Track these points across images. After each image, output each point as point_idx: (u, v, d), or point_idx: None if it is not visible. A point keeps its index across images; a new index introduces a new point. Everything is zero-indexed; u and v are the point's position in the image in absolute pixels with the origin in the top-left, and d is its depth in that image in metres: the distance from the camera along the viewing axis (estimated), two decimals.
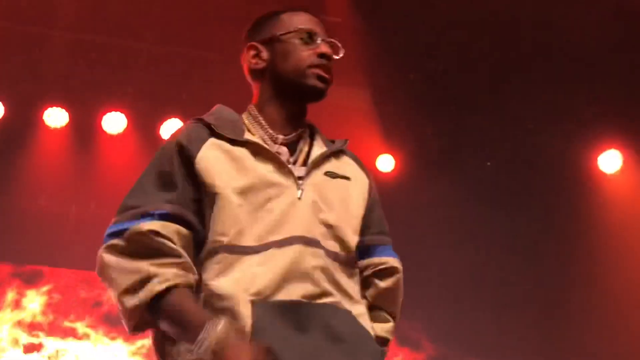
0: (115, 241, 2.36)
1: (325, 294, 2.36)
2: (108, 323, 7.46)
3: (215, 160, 2.41)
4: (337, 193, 2.50)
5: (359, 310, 2.45)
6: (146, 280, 2.29)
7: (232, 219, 2.35)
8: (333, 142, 2.61)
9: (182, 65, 6.90)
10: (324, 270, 2.37)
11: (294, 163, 2.49)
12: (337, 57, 2.58)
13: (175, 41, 6.83)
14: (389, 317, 2.56)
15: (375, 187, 2.63)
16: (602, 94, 6.88)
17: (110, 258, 2.35)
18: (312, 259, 2.35)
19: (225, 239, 2.34)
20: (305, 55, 2.53)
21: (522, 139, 7.22)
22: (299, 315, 2.30)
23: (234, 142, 2.46)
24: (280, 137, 2.52)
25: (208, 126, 2.49)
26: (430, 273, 7.25)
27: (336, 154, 2.57)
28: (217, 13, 6.54)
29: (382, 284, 2.55)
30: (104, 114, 7.07)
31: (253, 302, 2.27)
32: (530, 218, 7.47)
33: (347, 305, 2.40)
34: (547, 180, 7.33)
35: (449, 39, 6.63)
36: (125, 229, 2.35)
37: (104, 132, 7.12)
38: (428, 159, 7.54)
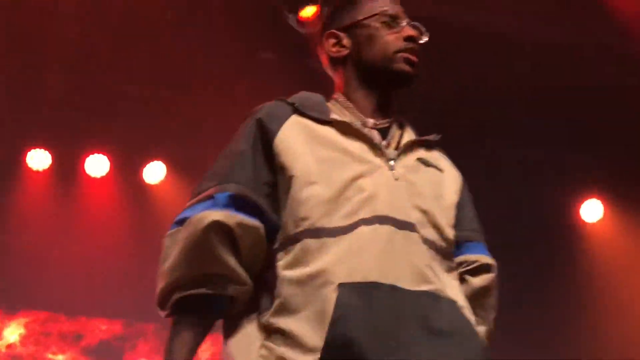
0: (177, 229, 2.22)
1: (425, 280, 2.13)
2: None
3: (297, 140, 2.23)
4: (430, 181, 2.33)
5: (463, 302, 2.24)
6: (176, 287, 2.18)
7: (315, 201, 2.15)
8: (427, 140, 2.45)
9: (166, 108, 6.89)
10: (421, 256, 2.17)
11: (387, 147, 2.32)
12: (421, 42, 2.45)
13: (160, 85, 6.83)
14: (482, 320, 2.34)
15: (467, 187, 2.49)
16: (584, 143, 6.92)
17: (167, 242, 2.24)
18: (406, 243, 2.14)
19: (308, 223, 2.14)
20: (391, 39, 2.40)
21: (504, 188, 7.23)
22: (392, 301, 2.06)
23: (319, 121, 2.30)
24: (371, 121, 2.37)
25: (291, 105, 2.33)
26: None
27: (427, 146, 2.42)
28: (202, 59, 6.55)
29: (476, 281, 2.37)
30: (87, 156, 7.05)
31: (341, 285, 2.04)
32: (513, 266, 7.43)
33: (450, 294, 2.18)
34: (530, 229, 7.33)
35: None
36: (187, 217, 2.20)
37: (87, 174, 7.08)
38: None
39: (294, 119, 2.29)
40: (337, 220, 2.14)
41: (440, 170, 2.39)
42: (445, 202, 2.35)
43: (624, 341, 7.28)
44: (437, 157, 2.44)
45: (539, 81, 6.54)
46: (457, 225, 2.37)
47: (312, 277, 2.07)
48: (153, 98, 6.88)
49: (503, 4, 6.22)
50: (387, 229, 2.14)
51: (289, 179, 2.20)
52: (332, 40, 2.46)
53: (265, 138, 2.26)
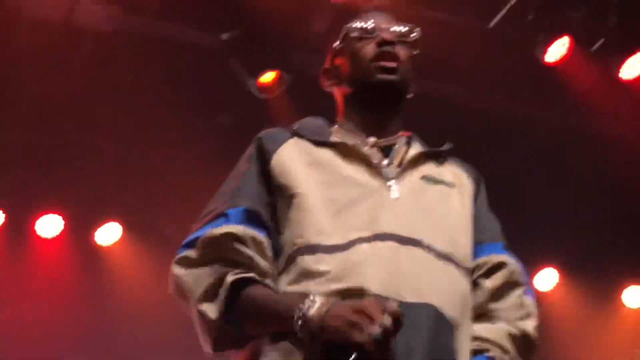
0: (186, 253, 2.19)
1: (421, 294, 2.02)
2: None
3: (294, 160, 2.20)
4: (437, 199, 2.22)
5: (467, 330, 2.10)
6: (223, 278, 2.06)
7: (312, 219, 2.10)
8: (437, 151, 2.34)
9: (122, 169, 6.85)
10: (427, 271, 2.06)
11: (389, 165, 2.24)
12: (410, 39, 2.39)
13: (117, 145, 6.79)
14: (506, 320, 2.21)
15: (483, 191, 2.37)
16: (538, 214, 6.98)
17: (180, 271, 2.17)
18: (410, 258, 2.05)
19: (302, 240, 2.09)
20: (365, 50, 2.34)
21: None
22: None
23: (318, 143, 2.26)
24: (372, 140, 2.30)
25: (291, 128, 2.32)
26: None
27: (439, 159, 2.31)
28: (159, 121, 6.54)
29: (488, 283, 2.25)
30: (40, 216, 6.95)
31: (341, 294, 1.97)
32: None
33: (453, 314, 2.05)
34: None
35: None
36: (198, 237, 2.17)
37: (38, 235, 6.98)
38: None
39: (293, 141, 2.27)
40: (333, 239, 2.08)
41: (448, 185, 2.28)
42: (456, 217, 2.24)
43: None
44: (446, 170, 2.32)
45: (496, 149, 6.59)
46: (479, 228, 2.30)
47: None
48: (109, 158, 6.83)
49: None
50: (389, 244, 2.06)
51: (289, 199, 2.16)
52: (324, 77, 2.46)
53: (263, 158, 2.25)
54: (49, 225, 6.95)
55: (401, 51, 2.34)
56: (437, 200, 2.22)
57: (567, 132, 6.64)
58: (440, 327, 2.02)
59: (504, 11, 6.25)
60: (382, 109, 2.33)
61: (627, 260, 7.41)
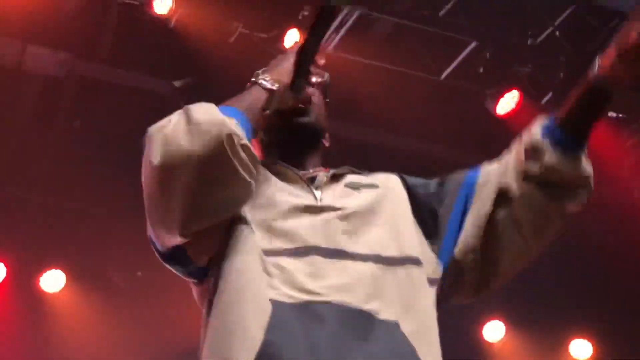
0: None
1: (360, 299, 2.02)
2: None
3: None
4: (366, 200, 2.20)
5: (415, 325, 2.09)
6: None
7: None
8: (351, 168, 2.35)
9: (66, 217, 6.78)
10: (359, 278, 2.05)
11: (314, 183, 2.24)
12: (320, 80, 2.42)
13: (60, 193, 6.72)
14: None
15: (408, 177, 2.31)
16: None
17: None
18: (334, 269, 2.04)
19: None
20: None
21: None
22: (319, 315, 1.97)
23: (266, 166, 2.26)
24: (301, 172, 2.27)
25: None
26: None
27: (352, 172, 2.31)
28: (107, 165, 6.49)
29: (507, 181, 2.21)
30: None
31: (272, 301, 1.98)
32: None
33: (394, 316, 2.04)
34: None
35: None
36: None
37: None
38: None
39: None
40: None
41: (374, 186, 2.26)
42: (394, 210, 2.22)
43: None
44: (368, 177, 2.31)
45: None
46: (439, 202, 2.26)
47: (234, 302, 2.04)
48: (52, 206, 6.76)
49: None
50: (312, 259, 2.06)
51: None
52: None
53: None
54: None
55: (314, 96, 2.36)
56: (368, 201, 2.21)
57: None
58: (380, 327, 2.02)
59: (455, 64, 6.32)
60: (301, 143, 2.35)
61: (574, 312, 7.47)
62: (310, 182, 2.24)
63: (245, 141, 2.04)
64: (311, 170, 2.28)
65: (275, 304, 2.00)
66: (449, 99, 6.45)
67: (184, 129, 2.02)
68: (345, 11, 6.00)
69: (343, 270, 2.06)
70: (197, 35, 5.85)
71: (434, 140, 6.63)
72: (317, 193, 2.19)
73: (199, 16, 5.81)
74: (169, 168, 2.03)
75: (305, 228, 2.10)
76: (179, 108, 2.07)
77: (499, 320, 7.59)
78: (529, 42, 6.23)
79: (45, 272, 6.92)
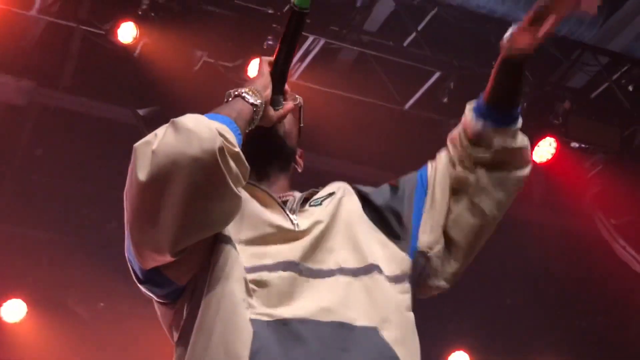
0: None
1: (332, 312, 2.05)
2: None
3: None
4: (329, 214, 2.23)
5: (395, 331, 2.11)
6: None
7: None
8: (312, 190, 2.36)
9: (27, 246, 6.71)
10: (333, 293, 2.08)
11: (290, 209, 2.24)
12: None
13: (22, 222, 6.67)
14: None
15: (359, 185, 2.38)
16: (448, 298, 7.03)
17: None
18: (310, 287, 2.08)
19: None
20: None
21: None
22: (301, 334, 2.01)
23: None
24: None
25: None
26: None
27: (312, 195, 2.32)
28: (69, 193, 6.45)
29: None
30: None
31: (252, 321, 1.99)
32: None
33: (372, 322, 2.08)
34: None
35: None
36: None
37: None
38: None
39: None
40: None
41: (331, 194, 2.30)
42: (350, 218, 2.25)
43: None
44: (322, 190, 2.33)
45: None
46: (396, 204, 2.33)
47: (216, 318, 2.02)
48: (14, 235, 6.70)
49: None
50: (288, 274, 2.08)
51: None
52: None
53: None
54: None
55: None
56: (328, 213, 2.24)
57: None
58: (359, 334, 2.05)
59: (419, 94, 6.35)
60: (273, 166, 2.33)
61: (539, 342, 7.49)
62: (284, 205, 2.23)
63: (237, 149, 1.99)
64: (281, 195, 2.26)
65: (255, 324, 1.99)
66: (413, 129, 6.47)
67: (173, 137, 1.94)
68: (310, 40, 6.02)
69: (318, 286, 2.09)
70: (161, 64, 5.84)
71: (397, 170, 6.59)
72: (293, 217, 2.19)
73: (163, 45, 5.80)
74: (158, 181, 1.94)
75: (286, 249, 2.12)
76: (144, 137, 2.01)
77: (463, 350, 7.60)
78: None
79: (5, 301, 6.86)
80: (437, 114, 6.23)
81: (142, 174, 1.93)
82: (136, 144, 1.97)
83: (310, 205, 2.26)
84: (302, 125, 2.41)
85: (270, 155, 2.31)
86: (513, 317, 7.36)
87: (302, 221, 2.19)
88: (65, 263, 6.71)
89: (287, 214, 2.20)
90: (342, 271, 2.12)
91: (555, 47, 6.33)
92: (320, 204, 2.27)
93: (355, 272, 2.14)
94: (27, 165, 6.43)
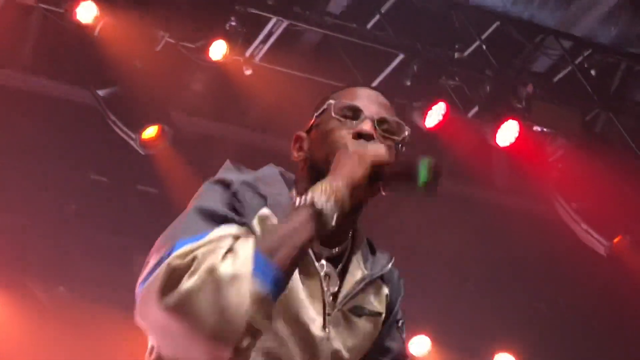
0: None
1: None
2: None
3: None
4: (361, 336, 2.07)
5: None
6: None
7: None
8: (375, 253, 2.12)
9: None
10: None
11: (335, 294, 2.03)
12: (397, 138, 2.07)
13: None
14: None
15: (399, 306, 2.19)
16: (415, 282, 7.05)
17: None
18: None
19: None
20: (341, 135, 2.01)
21: None
22: None
23: None
24: (325, 253, 2.02)
25: (263, 198, 1.97)
26: None
27: (376, 281, 2.09)
28: (22, 179, 6.39)
29: None
30: None
31: None
32: None
33: None
34: None
35: None
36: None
37: None
38: None
39: (264, 212, 1.95)
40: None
41: (378, 314, 2.13)
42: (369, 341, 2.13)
43: None
44: (383, 292, 2.16)
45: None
46: (386, 336, 2.17)
47: None
48: None
49: None
50: None
51: None
52: (295, 144, 2.12)
53: (237, 217, 1.91)
54: None
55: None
56: (361, 339, 2.10)
57: (454, 197, 6.72)
58: None
59: (382, 76, 6.33)
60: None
61: (499, 327, 7.52)
62: (331, 266, 2.03)
63: (266, 320, 1.82)
64: (335, 250, 2.04)
65: None
66: None
67: (211, 308, 1.76)
68: (272, 22, 5.98)
69: None
70: (122, 44, 5.76)
71: None
72: (328, 321, 2.01)
73: (124, 25, 5.72)
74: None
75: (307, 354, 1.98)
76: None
77: (425, 334, 7.63)
78: (455, 55, 6.27)
79: None
80: (400, 97, 6.21)
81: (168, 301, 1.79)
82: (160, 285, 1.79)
83: (350, 312, 2.07)
84: None
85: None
86: (474, 302, 7.38)
87: (335, 331, 2.02)
88: (24, 245, 6.66)
89: (325, 301, 2.00)
90: None
91: (518, 31, 6.33)
92: (360, 316, 2.09)
93: None
94: None
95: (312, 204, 1.84)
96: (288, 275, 1.83)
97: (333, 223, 1.85)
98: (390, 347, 2.18)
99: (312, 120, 2.12)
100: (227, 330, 1.75)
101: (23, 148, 6.33)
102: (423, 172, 1.89)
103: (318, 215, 1.83)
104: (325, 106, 2.11)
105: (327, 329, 1.99)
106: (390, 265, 2.14)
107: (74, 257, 6.76)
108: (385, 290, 2.15)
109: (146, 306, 1.83)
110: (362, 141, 2.01)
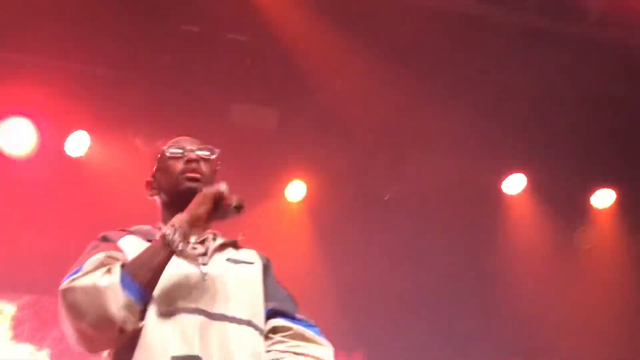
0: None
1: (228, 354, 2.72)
2: None
3: (133, 248, 2.81)
4: (239, 274, 2.91)
5: None
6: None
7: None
8: (234, 241, 3.04)
9: (94, 83, 6.79)
10: (228, 334, 2.75)
11: (203, 255, 2.90)
12: (211, 156, 3.04)
13: (91, 61, 6.73)
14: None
15: (271, 268, 3.05)
16: (507, 120, 7.05)
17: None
18: (214, 330, 2.73)
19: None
20: (175, 165, 2.99)
21: (433, 165, 7.34)
22: None
23: (149, 241, 2.84)
24: (192, 238, 2.87)
25: (126, 231, 2.94)
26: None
27: (234, 246, 3.01)
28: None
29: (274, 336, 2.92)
30: None
31: (173, 358, 2.66)
32: (445, 238, 7.68)
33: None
34: (458, 203, 7.52)
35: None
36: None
37: None
38: (337, 185, 7.60)
39: (129, 237, 2.89)
40: (160, 307, 2.74)
41: (248, 263, 2.98)
42: (255, 289, 2.93)
43: None
44: (245, 254, 3.03)
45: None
46: (268, 297, 2.96)
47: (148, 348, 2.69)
48: (81, 71, 6.78)
49: None
50: (198, 318, 2.74)
51: None
52: (147, 187, 3.08)
53: (108, 243, 2.84)
54: None
55: (203, 167, 3.01)
56: (240, 276, 2.91)
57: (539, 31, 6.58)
58: None
59: None
60: None
61: (596, 162, 7.48)
62: (199, 245, 2.93)
63: (138, 325, 2.66)
64: (193, 239, 2.89)
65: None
66: None
67: (94, 312, 2.63)
68: None
69: (221, 330, 2.76)
70: None
71: None
72: (203, 268, 2.85)
73: None
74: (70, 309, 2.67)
75: (197, 295, 2.78)
76: None
77: (521, 172, 7.69)
78: None
79: (70, 134, 7.03)
80: None
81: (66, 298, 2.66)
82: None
83: (227, 260, 2.93)
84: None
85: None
86: (569, 138, 7.29)
87: (213, 269, 2.86)
88: (128, 99, 6.79)
89: (199, 264, 2.86)
90: (235, 319, 2.80)
91: None
92: (237, 264, 2.95)
93: (242, 322, 2.82)
94: None
95: (163, 236, 2.71)
96: (149, 286, 2.68)
97: (180, 247, 2.71)
98: (278, 296, 3.01)
99: (155, 167, 3.08)
100: (104, 324, 2.62)
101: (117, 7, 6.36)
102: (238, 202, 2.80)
103: (168, 243, 2.70)
104: (159, 155, 3.07)
105: (202, 271, 2.84)
106: (241, 238, 3.08)
107: (170, 108, 6.88)
108: (250, 251, 3.05)
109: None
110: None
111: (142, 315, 2.67)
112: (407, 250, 7.78)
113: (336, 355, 2.94)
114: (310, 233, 7.75)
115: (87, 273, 2.66)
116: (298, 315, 2.97)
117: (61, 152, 7.03)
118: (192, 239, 2.88)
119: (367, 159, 7.50)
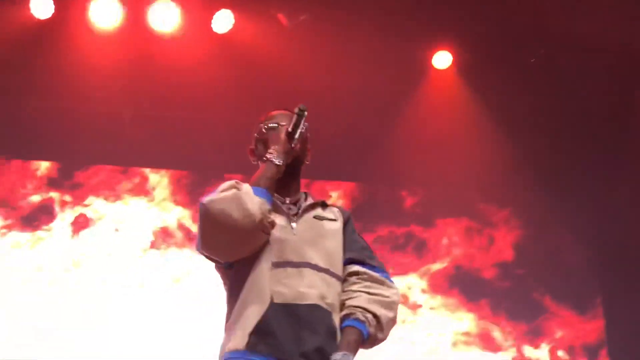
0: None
1: (314, 298, 3.24)
2: None
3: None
4: (322, 229, 3.41)
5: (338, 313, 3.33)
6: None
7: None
8: (323, 201, 3.53)
9: None
10: (314, 282, 3.27)
11: (295, 215, 3.41)
12: (302, 129, 3.42)
13: None
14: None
15: (351, 223, 3.53)
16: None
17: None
18: (302, 276, 3.26)
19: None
20: (275, 137, 3.43)
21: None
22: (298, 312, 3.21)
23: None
24: (287, 199, 3.45)
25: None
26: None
27: (323, 205, 3.51)
28: None
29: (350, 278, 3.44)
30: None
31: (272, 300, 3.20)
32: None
33: (328, 307, 3.29)
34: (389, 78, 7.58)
35: None
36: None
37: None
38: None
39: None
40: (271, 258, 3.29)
41: (332, 220, 3.47)
42: (334, 242, 3.42)
43: None
44: (328, 211, 3.52)
45: None
46: (347, 248, 3.46)
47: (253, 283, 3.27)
48: None
49: None
50: (305, 270, 3.28)
51: None
52: (250, 155, 3.56)
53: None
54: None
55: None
56: (322, 232, 3.41)
57: None
58: (322, 314, 3.27)
59: None
60: (288, 175, 3.44)
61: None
62: (293, 206, 3.46)
63: (271, 219, 3.26)
64: (288, 200, 3.46)
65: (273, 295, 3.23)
66: None
67: (238, 211, 3.19)
68: None
69: (302, 275, 3.28)
70: None
71: None
72: (294, 225, 3.37)
73: None
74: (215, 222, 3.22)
75: (287, 247, 3.31)
76: None
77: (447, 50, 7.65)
78: None
79: (216, 12, 7.10)
80: None
81: (209, 211, 3.22)
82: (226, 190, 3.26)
83: (314, 218, 3.44)
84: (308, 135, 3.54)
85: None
86: None
87: (301, 228, 3.38)
88: None
89: (290, 223, 3.39)
90: (322, 269, 3.32)
91: None
92: (322, 220, 3.45)
93: (329, 272, 3.34)
94: None
95: (268, 158, 3.33)
96: (270, 189, 3.28)
97: (281, 164, 3.33)
98: (354, 247, 3.52)
99: (254, 139, 3.55)
100: (247, 220, 3.17)
101: None
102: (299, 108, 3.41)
103: (272, 162, 3.33)
104: (259, 127, 3.53)
105: (293, 228, 3.39)
106: (327, 200, 3.61)
107: None
108: (334, 209, 3.57)
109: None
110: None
111: (270, 212, 3.26)
112: None
113: None
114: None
115: (224, 190, 3.20)
116: (371, 262, 3.43)
117: (209, 29, 7.12)
118: (287, 200, 3.45)
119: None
